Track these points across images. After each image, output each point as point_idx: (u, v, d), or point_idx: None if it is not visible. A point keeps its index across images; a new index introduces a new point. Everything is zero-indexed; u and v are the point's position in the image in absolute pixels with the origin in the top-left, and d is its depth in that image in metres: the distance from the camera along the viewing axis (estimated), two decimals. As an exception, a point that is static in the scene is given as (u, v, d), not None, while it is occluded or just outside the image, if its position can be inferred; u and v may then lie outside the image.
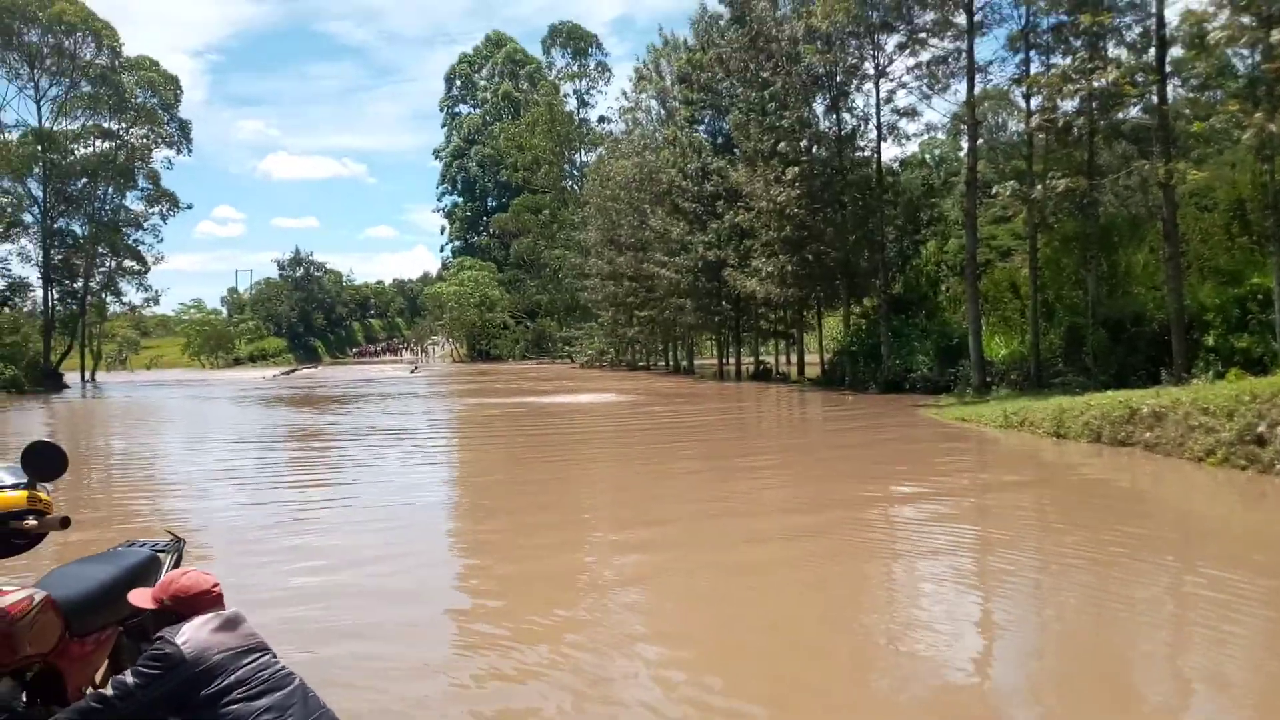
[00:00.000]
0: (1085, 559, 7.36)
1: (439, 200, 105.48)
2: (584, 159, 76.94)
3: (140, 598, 3.15)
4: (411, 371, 62.26)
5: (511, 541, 8.72)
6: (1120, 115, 21.13)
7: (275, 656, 3.07)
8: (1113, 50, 21.26)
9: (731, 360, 43.31)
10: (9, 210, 48.87)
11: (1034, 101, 22.27)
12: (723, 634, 5.69)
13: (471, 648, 5.43)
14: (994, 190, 22.85)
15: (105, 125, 51.09)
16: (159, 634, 2.96)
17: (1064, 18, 21.86)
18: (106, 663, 3.52)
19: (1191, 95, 19.39)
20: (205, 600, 3.07)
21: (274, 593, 6.60)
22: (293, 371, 69.09)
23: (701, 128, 43.18)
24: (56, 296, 51.67)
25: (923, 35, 25.62)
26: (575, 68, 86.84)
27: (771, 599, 6.46)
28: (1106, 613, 5.95)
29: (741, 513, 10.01)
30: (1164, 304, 19.84)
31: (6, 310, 49.64)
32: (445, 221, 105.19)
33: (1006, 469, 13.74)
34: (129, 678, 2.87)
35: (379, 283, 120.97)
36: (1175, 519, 9.83)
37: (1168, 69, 19.12)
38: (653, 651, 5.31)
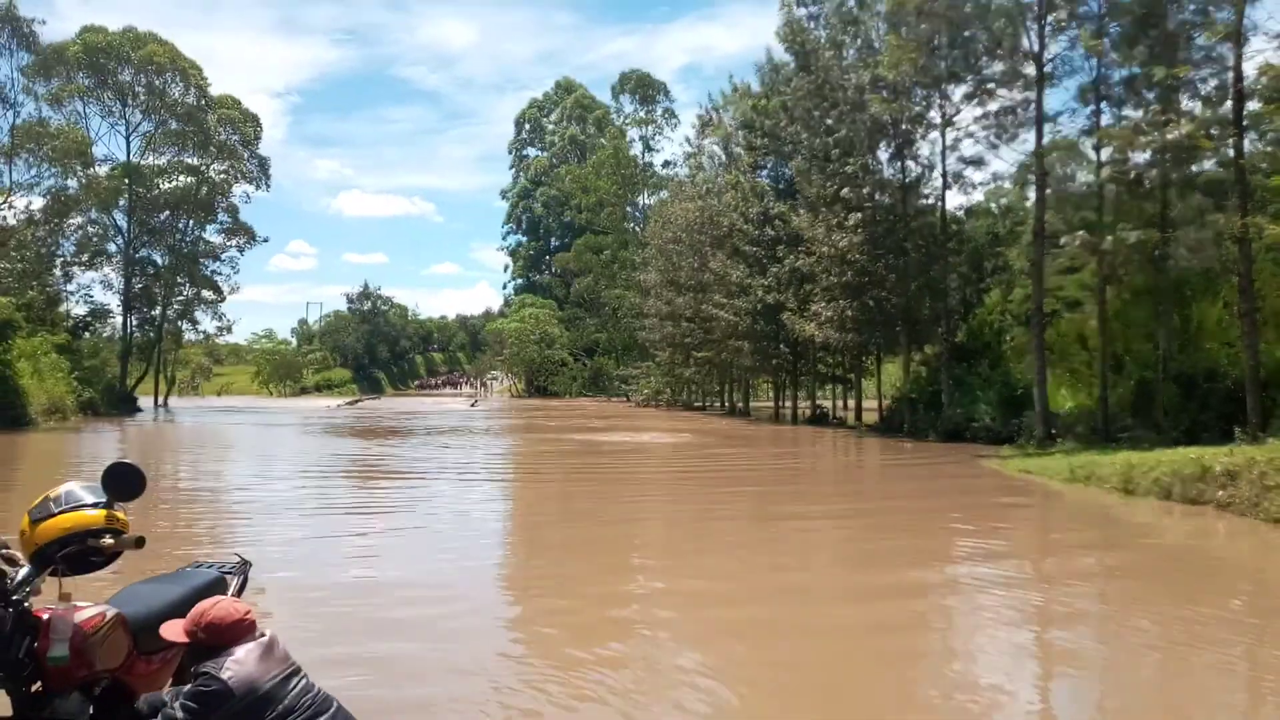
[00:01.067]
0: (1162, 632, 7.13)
1: (504, 239, 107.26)
2: (646, 202, 77.64)
3: (172, 630, 3.12)
4: (471, 405, 62.91)
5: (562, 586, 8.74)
6: (1194, 168, 20.72)
7: (309, 678, 3.09)
8: (1186, 103, 20.90)
9: (788, 404, 42.97)
10: (94, 240, 50.89)
11: (1105, 153, 21.95)
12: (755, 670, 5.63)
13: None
14: (1062, 241, 22.45)
15: (189, 161, 53.12)
16: (203, 669, 2.94)
17: (1136, 70, 21.59)
18: (171, 681, 3.62)
19: (1269, 149, 18.97)
20: (240, 629, 3.05)
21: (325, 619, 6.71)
22: (356, 402, 70.29)
23: (764, 173, 43.32)
24: (135, 323, 53.52)
25: (990, 86, 25.45)
26: (642, 114, 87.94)
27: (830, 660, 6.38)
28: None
29: (795, 567, 9.90)
30: (1238, 360, 19.25)
31: (88, 335, 51.49)
32: (509, 259, 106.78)
33: (1077, 529, 13.35)
34: (178, 713, 2.87)
35: (442, 317, 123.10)
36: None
37: (1244, 122, 18.72)
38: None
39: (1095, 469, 15.99)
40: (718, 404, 55.51)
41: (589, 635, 6.59)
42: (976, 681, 5.63)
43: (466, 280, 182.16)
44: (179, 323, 56.17)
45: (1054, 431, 22.79)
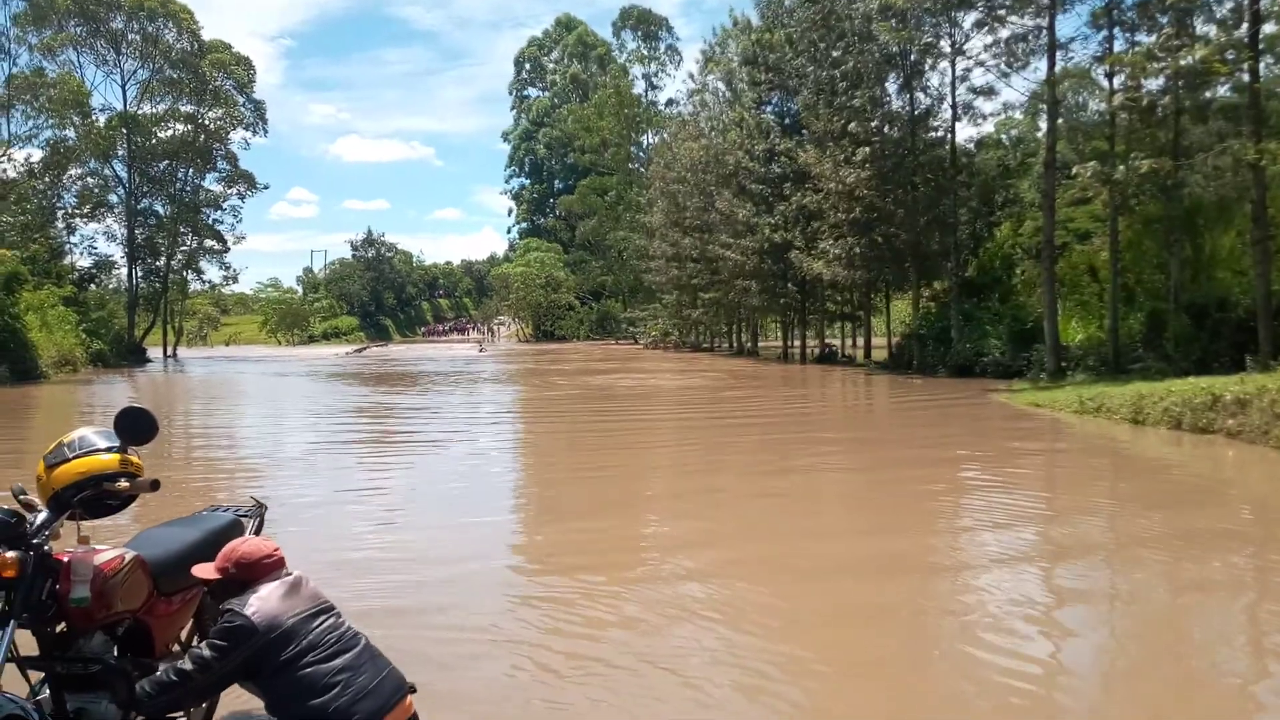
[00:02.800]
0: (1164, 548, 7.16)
1: (506, 182, 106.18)
2: (651, 141, 76.69)
3: (203, 570, 3.17)
4: (480, 351, 63.04)
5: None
6: (1208, 94, 20.34)
7: (341, 616, 3.13)
8: (1201, 27, 20.45)
9: (796, 342, 42.93)
10: (96, 191, 50.70)
11: (1117, 80, 21.58)
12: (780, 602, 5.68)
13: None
14: (1073, 171, 22.14)
15: (185, 109, 52.59)
16: (227, 606, 2.99)
17: (1150, -8, 21.09)
18: (191, 621, 3.66)
19: (1284, 73, 18.62)
20: (267, 565, 3.09)
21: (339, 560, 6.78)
22: (364, 349, 70.50)
23: (769, 109, 42.67)
24: (140, 274, 53.52)
25: (1001, 12, 24.86)
26: (645, 51, 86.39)
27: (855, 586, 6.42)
28: (1183, 601, 5.79)
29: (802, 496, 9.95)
30: (1250, 289, 19.11)
31: (93, 287, 51.57)
32: (512, 203, 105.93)
33: (1089, 455, 13.38)
34: (205, 650, 2.93)
35: (447, 263, 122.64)
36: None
37: (1260, 46, 18.31)
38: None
39: (1105, 400, 15.98)
40: (726, 345, 55.51)
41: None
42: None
43: (470, 225, 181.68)
44: (184, 273, 56.18)
45: (1064, 364, 22.76)
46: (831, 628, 5.47)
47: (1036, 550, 7.34)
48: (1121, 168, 20.01)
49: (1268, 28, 18.16)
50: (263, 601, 2.97)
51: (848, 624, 5.55)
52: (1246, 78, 18.55)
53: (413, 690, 3.08)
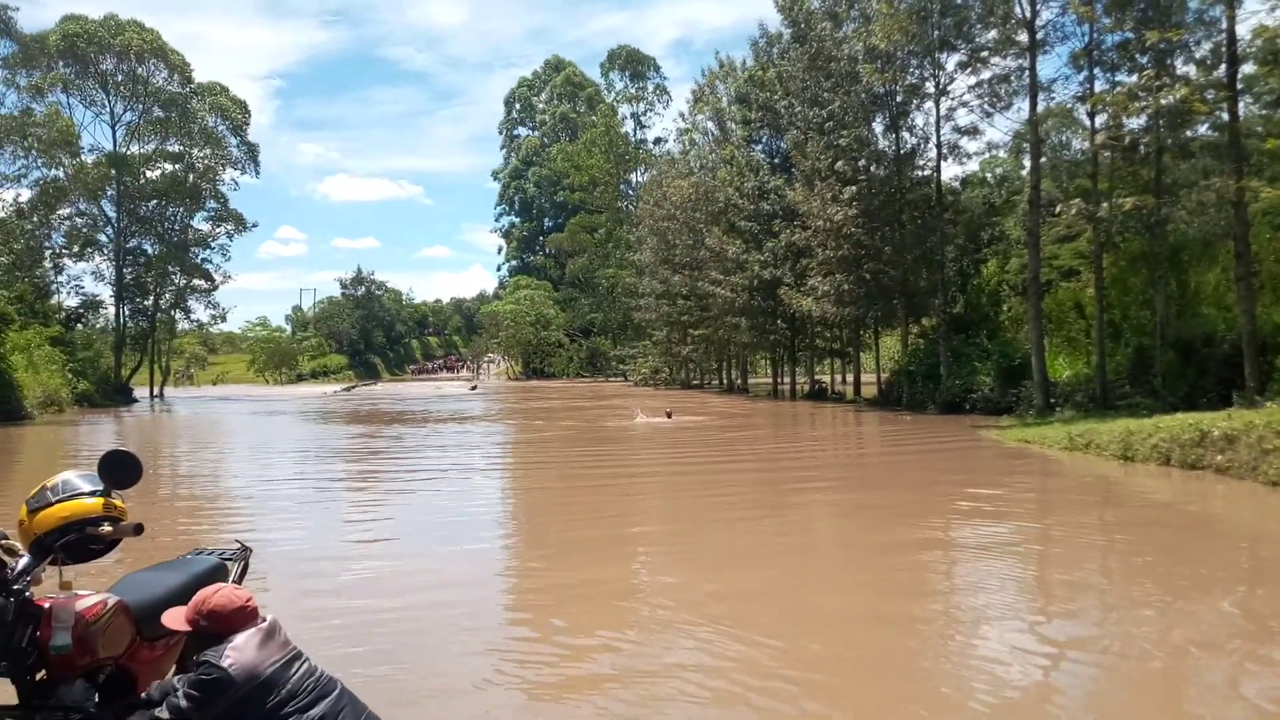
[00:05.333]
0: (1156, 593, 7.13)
1: (496, 220, 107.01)
2: (640, 179, 77.33)
3: (173, 619, 3.09)
4: (471, 389, 62.89)
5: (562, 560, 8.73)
6: (1189, 133, 20.64)
7: (311, 661, 3.07)
8: (1180, 67, 20.80)
9: (786, 379, 43.00)
10: (84, 230, 50.71)
11: (1099, 119, 21.87)
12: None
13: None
14: (1058, 209, 22.40)
15: (173, 149, 52.83)
16: (203, 657, 2.92)
17: (1129, 35, 21.46)
18: (175, 667, 3.60)
19: (1264, 112, 18.88)
20: (241, 616, 3.01)
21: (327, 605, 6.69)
22: (352, 388, 70.27)
23: (759, 147, 43.16)
24: (128, 314, 53.40)
25: (984, 54, 25.31)
26: (633, 90, 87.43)
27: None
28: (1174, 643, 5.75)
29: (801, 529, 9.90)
30: (1236, 325, 19.24)
31: (80, 327, 51.39)
32: (502, 241, 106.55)
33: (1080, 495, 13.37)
34: (181, 702, 2.85)
35: (437, 301, 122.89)
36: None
37: (1239, 86, 18.62)
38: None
39: (1094, 437, 16.01)
40: (715, 382, 55.55)
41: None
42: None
43: (460, 263, 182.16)
44: (172, 312, 56.07)
45: (1052, 400, 22.84)
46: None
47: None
48: (1105, 205, 20.24)
49: (1246, 68, 18.47)
50: (239, 652, 2.90)
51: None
52: (1226, 117, 18.84)
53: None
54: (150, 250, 53.61)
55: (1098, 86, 22.61)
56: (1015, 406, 23.83)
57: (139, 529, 3.23)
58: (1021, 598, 7.03)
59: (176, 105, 51.27)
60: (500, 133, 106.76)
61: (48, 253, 48.79)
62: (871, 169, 31.32)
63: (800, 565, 8.35)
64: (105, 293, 52.74)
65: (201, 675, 2.87)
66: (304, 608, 6.42)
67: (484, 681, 5.05)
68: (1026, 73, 23.84)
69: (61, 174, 47.15)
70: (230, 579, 3.86)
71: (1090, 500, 12.16)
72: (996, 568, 8.00)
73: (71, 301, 51.59)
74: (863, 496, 12.97)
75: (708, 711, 4.59)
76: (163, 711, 2.89)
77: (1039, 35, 23.40)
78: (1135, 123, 21.08)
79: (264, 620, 3.07)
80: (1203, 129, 20.49)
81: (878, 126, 31.87)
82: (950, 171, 32.36)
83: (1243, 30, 18.38)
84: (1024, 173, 27.74)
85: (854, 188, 29.78)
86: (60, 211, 48.66)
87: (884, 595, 7.07)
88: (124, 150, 51.75)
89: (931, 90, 29.35)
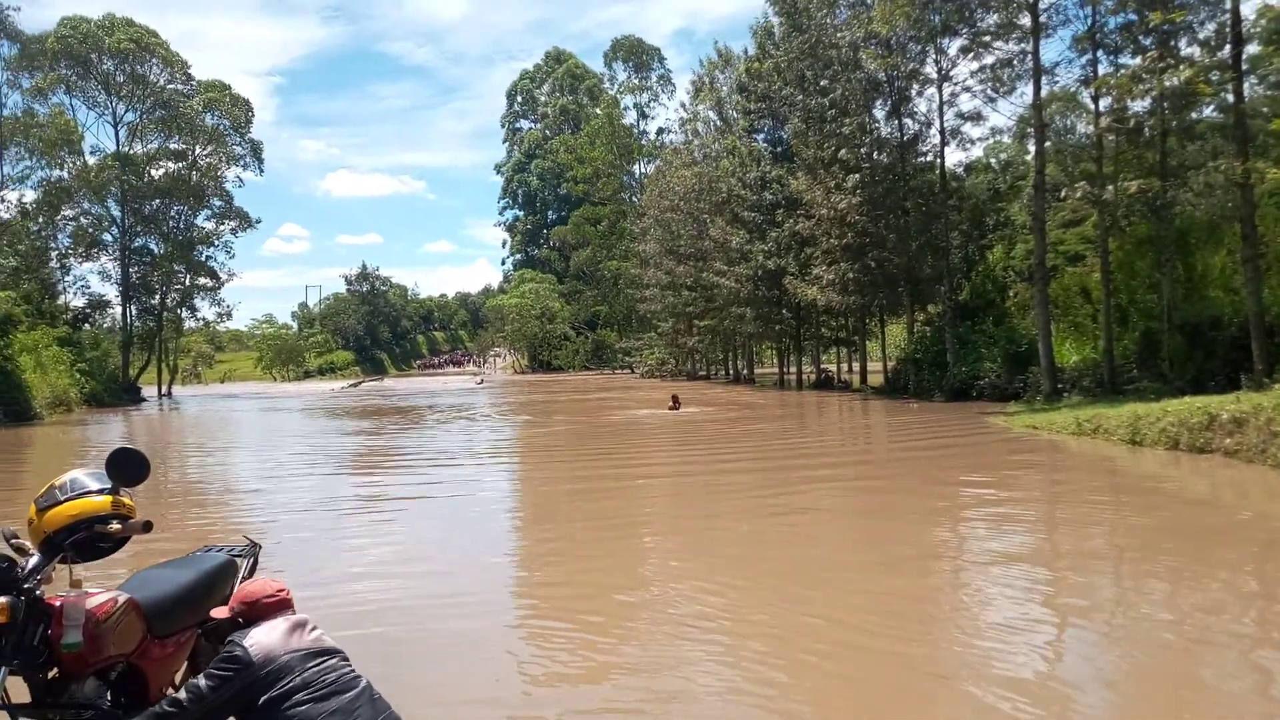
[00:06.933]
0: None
1: (500, 214, 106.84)
2: (643, 170, 77.18)
3: (220, 611, 3.28)
4: (479, 383, 62.95)
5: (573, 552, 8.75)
6: (1194, 115, 20.52)
7: (346, 660, 3.11)
8: (1184, 48, 20.67)
9: (792, 369, 42.95)
10: (90, 230, 50.83)
11: (1103, 103, 21.76)
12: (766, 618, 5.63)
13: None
14: (1063, 193, 22.32)
15: (176, 147, 52.89)
16: (229, 638, 3.06)
17: (1132, 16, 21.32)
18: (186, 664, 3.61)
19: (1269, 93, 18.77)
20: (270, 605, 3.15)
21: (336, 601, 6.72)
22: (359, 384, 70.42)
23: (760, 137, 43.02)
24: (135, 313, 53.55)
25: (986, 38, 25.15)
26: (637, 81, 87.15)
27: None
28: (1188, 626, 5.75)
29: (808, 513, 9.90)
30: (1243, 307, 19.16)
31: (87, 327, 51.54)
32: (506, 235, 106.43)
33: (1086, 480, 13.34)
34: (201, 681, 2.94)
35: (442, 296, 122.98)
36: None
37: (1244, 66, 18.50)
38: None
39: (1102, 421, 15.99)
40: (722, 372, 55.53)
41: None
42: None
43: (464, 258, 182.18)
44: (179, 310, 56.22)
45: (1060, 385, 22.78)
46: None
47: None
48: (1110, 189, 20.14)
49: (1250, 48, 18.36)
50: (262, 635, 3.02)
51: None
52: (1231, 98, 18.73)
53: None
54: (155, 249, 53.72)
55: (1101, 69, 22.50)
56: (1022, 392, 23.78)
57: (148, 526, 3.25)
58: (1048, 610, 7.02)
59: (176, 104, 51.28)
60: (502, 126, 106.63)
61: (54, 253, 48.95)
62: (874, 156, 31.20)
63: (806, 580, 8.35)
64: (111, 292, 52.91)
65: (223, 654, 3.00)
66: (312, 603, 6.45)
67: (495, 683, 5.08)
68: (1029, 57, 23.70)
69: (65, 174, 47.29)
70: (240, 574, 3.88)
71: (1101, 486, 12.15)
72: (1013, 578, 7.99)
73: (78, 302, 51.80)
74: (879, 483, 12.97)
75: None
76: (180, 693, 2.97)
77: (1041, 18, 23.27)
78: (1139, 105, 20.98)
79: (295, 614, 3.20)
80: (1208, 111, 20.39)
81: (879, 113, 31.76)
82: (954, 157, 32.37)
83: (1247, 10, 18.29)
84: (1028, 157, 27.58)
85: (856, 176, 29.67)
86: (65, 212, 48.79)
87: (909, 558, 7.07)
88: (127, 150, 51.79)
89: (934, 75, 29.23)
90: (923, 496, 11.33)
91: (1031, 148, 24.92)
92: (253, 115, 56.12)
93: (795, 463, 15.72)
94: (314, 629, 3.15)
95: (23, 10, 47.41)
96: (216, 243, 55.64)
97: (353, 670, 3.09)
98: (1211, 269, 22.22)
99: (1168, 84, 19.04)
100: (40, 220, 46.43)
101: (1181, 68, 19.16)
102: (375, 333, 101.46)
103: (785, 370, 44.10)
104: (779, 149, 41.01)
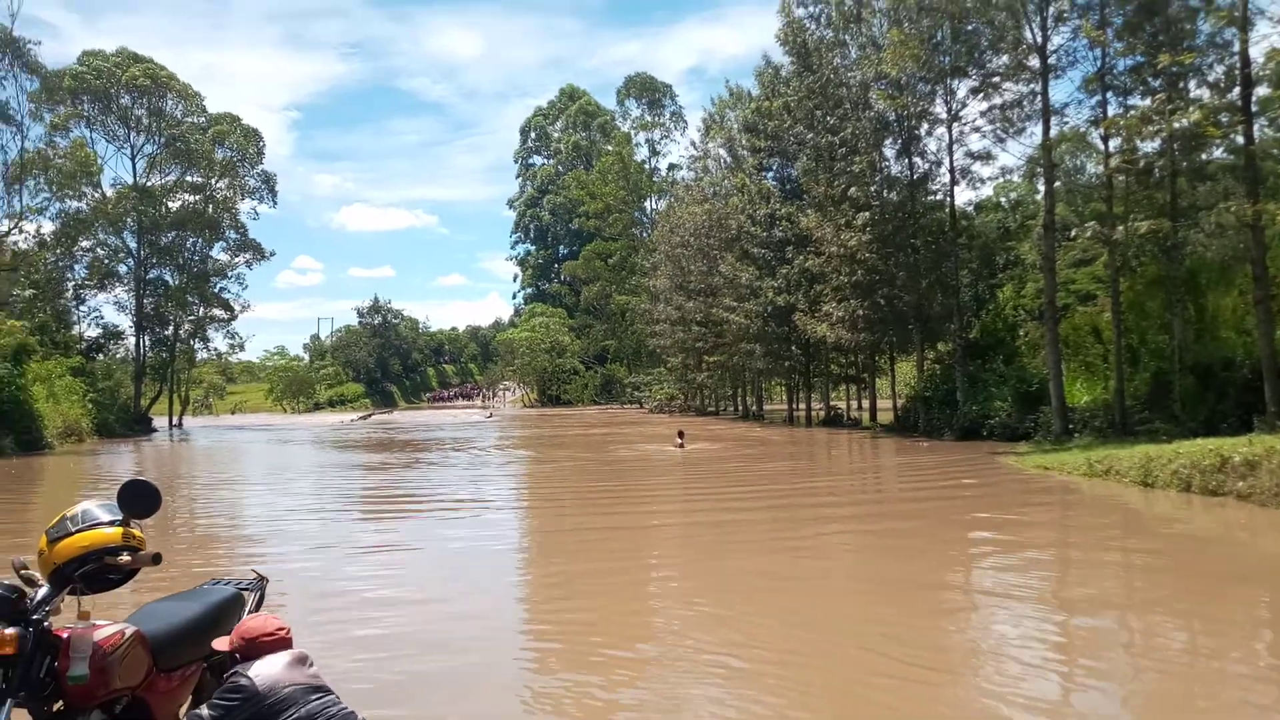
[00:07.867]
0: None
1: (512, 248, 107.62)
2: (654, 206, 77.66)
3: (221, 643, 3.32)
4: (488, 416, 63.03)
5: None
6: (1204, 156, 20.57)
7: (338, 698, 3.14)
8: (1194, 90, 20.76)
9: (801, 405, 42.81)
10: (105, 261, 51.29)
11: (1113, 143, 21.83)
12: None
13: None
14: (1073, 233, 22.32)
15: (192, 180, 53.50)
16: (233, 670, 3.12)
17: (1141, 58, 21.46)
18: (190, 698, 3.61)
19: (1279, 135, 18.82)
20: (269, 644, 3.20)
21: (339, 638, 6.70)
22: (368, 416, 70.53)
23: (770, 174, 43.26)
24: (148, 344, 53.83)
25: (995, 79, 25.35)
26: (649, 117, 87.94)
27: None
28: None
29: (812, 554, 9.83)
30: (1255, 349, 19.07)
31: (101, 357, 51.83)
32: (518, 269, 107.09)
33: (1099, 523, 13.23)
34: (204, 711, 2.99)
35: (453, 329, 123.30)
36: None
37: (1253, 108, 18.58)
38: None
39: (1114, 463, 15.86)
40: (731, 408, 55.40)
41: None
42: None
43: (476, 292, 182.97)
44: (191, 342, 56.49)
45: (1071, 426, 22.64)
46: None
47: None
48: (1121, 229, 20.14)
49: (1260, 90, 18.44)
50: (266, 666, 3.08)
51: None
52: (1240, 140, 18.77)
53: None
54: (170, 280, 54.14)
55: (1110, 110, 22.59)
56: (1033, 432, 23.63)
57: (157, 559, 3.26)
58: (1055, 653, 6.95)
59: (188, 137, 51.96)
60: (516, 161, 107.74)
61: (69, 284, 49.38)
62: (884, 194, 31.32)
63: (825, 602, 8.30)
64: (125, 323, 53.19)
65: (228, 684, 3.05)
66: (319, 637, 6.43)
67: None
68: (1039, 97, 23.85)
69: (83, 205, 47.81)
70: (247, 608, 3.88)
71: (1111, 525, 12.04)
72: (1023, 614, 7.92)
73: (92, 332, 52.14)
74: (892, 524, 12.88)
75: None
76: None
77: (1050, 60, 23.45)
78: (1149, 146, 21.04)
79: (296, 650, 3.25)
80: (1218, 152, 20.43)
81: (889, 152, 31.93)
82: (964, 196, 32.49)
83: (1256, 53, 18.39)
84: (1038, 197, 27.66)
85: (866, 214, 29.78)
86: (82, 243, 49.26)
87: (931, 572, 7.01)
88: (145, 182, 52.40)
89: (943, 115, 29.41)
90: (938, 541, 11.20)
91: (1041, 187, 25.01)
92: (264, 146, 56.70)
93: (804, 501, 15.65)
94: (312, 665, 3.21)
95: (44, 44, 48.03)
96: (231, 274, 56.12)
97: (347, 707, 3.14)
98: (1223, 310, 22.13)
99: (1177, 125, 19.10)
100: (58, 251, 46.89)
101: (1191, 109, 19.23)
102: (386, 365, 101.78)
103: (794, 406, 43.95)
104: (788, 186, 41.21)
